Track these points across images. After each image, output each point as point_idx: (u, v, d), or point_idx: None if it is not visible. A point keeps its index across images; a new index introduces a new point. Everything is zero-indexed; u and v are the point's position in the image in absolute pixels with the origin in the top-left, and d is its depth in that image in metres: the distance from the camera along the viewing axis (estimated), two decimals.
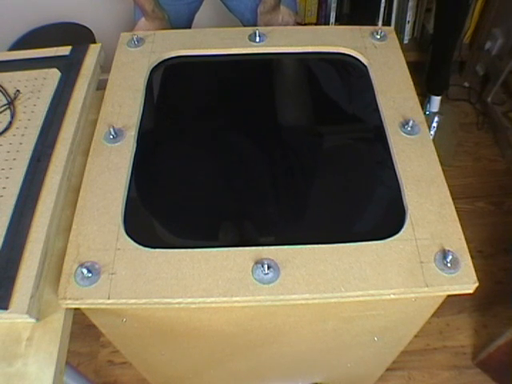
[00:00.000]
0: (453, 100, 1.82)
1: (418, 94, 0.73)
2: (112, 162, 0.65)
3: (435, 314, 0.67)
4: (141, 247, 0.57)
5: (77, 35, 1.46)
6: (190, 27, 1.16)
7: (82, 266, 0.54)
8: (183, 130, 0.75)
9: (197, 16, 1.16)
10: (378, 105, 0.72)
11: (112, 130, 0.67)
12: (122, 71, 0.77)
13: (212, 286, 0.53)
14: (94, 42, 1.43)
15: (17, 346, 0.53)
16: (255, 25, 1.07)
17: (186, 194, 0.66)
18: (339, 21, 1.73)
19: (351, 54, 0.80)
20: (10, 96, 0.74)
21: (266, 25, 1.06)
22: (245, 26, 1.12)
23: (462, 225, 0.58)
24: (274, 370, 0.94)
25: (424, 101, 1.73)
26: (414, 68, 0.92)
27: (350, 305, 0.59)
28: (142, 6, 1.00)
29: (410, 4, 1.70)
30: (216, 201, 0.66)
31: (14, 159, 0.66)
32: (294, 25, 1.08)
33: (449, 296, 0.57)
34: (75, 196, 0.62)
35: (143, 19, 1.03)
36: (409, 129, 0.67)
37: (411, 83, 0.74)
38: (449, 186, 0.61)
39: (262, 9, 1.04)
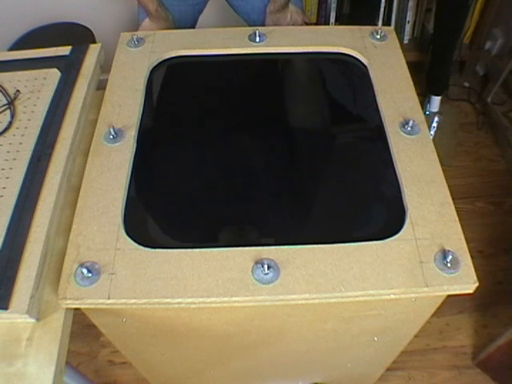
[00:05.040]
0: (453, 100, 1.82)
1: (418, 94, 0.73)
2: (112, 162, 0.65)
3: (435, 314, 0.67)
4: (141, 247, 0.57)
5: (77, 35, 1.46)
6: (194, 28, 1.16)
7: (82, 266, 0.54)
8: (183, 129, 0.75)
9: (201, 17, 1.16)
10: (378, 105, 0.72)
11: (112, 130, 0.67)
12: (121, 71, 0.77)
13: (212, 286, 0.53)
14: (94, 42, 1.43)
15: (17, 346, 0.53)
16: (261, 26, 1.07)
17: (186, 193, 0.66)
18: (339, 21, 1.73)
19: (351, 53, 0.80)
20: (9, 96, 0.74)
21: (275, 24, 1.05)
22: (250, 26, 1.11)
23: (462, 225, 0.58)
24: (274, 370, 0.94)
25: (424, 101, 1.73)
26: (414, 68, 0.92)
27: (349, 305, 0.59)
28: (145, 6, 0.99)
29: (410, 4, 1.70)
30: (216, 201, 0.66)
31: (14, 159, 0.66)
32: (302, 23, 1.08)
33: (449, 296, 0.57)
34: (75, 196, 0.62)
35: (147, 19, 1.03)
36: (409, 129, 0.67)
37: (411, 83, 0.74)
38: (449, 186, 0.61)
39: (272, 8, 1.03)
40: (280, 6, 1.02)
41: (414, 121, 0.67)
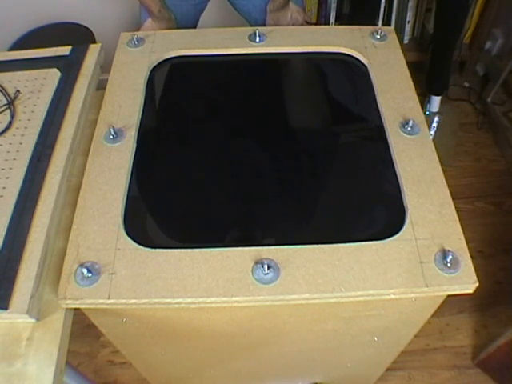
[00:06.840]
0: (453, 100, 1.82)
1: (418, 94, 0.73)
2: (112, 162, 0.65)
3: (435, 314, 0.67)
4: (141, 247, 0.57)
5: (77, 35, 1.47)
6: (195, 27, 1.16)
7: (82, 265, 0.54)
8: (183, 129, 0.75)
9: (202, 16, 1.16)
10: (378, 105, 0.72)
11: (112, 130, 0.67)
12: (121, 71, 0.77)
13: (212, 286, 0.53)
14: (94, 42, 1.43)
15: (17, 345, 0.53)
16: (263, 24, 1.07)
17: (186, 193, 0.66)
18: (339, 21, 1.73)
19: (351, 53, 0.80)
20: (9, 96, 0.74)
21: (276, 23, 1.05)
22: (252, 25, 1.11)
23: (462, 225, 0.58)
24: (274, 370, 0.94)
25: (424, 101, 1.73)
26: (414, 68, 0.92)
27: (349, 305, 0.59)
28: (148, 7, 0.99)
29: (410, 4, 1.70)
30: (216, 201, 0.66)
31: (14, 159, 0.66)
32: (302, 22, 1.08)
33: (449, 296, 0.57)
34: (75, 196, 0.62)
35: (150, 19, 1.03)
36: (409, 129, 0.67)
37: (411, 83, 0.74)
38: (449, 185, 0.61)
39: (272, 7, 1.03)
40: (280, 4, 1.02)
41: (414, 121, 0.67)
